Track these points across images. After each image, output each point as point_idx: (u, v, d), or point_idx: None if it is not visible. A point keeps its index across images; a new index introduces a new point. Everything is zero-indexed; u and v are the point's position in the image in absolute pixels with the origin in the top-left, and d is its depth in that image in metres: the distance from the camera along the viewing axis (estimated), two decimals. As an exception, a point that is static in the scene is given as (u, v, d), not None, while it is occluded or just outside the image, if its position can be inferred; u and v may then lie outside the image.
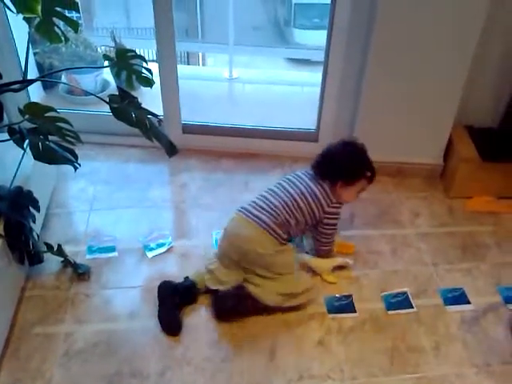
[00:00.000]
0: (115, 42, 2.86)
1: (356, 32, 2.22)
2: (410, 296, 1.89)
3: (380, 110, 2.32)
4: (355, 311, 1.83)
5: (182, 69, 4.14)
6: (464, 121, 2.46)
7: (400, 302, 1.87)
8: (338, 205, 1.89)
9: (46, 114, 1.57)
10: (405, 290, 1.92)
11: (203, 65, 7.73)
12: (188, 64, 7.70)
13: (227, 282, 1.78)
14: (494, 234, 2.22)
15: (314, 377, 1.62)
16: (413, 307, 1.86)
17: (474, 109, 2.45)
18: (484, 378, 1.64)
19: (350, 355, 1.69)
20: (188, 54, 7.73)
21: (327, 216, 1.88)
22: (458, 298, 1.91)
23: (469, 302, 1.89)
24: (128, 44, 3.22)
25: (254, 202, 1.86)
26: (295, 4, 9.30)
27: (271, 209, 1.80)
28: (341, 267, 1.98)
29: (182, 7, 8.39)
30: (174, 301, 1.77)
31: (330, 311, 1.82)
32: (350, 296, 1.88)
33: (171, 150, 1.85)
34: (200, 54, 7.74)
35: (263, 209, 1.81)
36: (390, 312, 1.84)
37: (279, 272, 1.78)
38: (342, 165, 1.86)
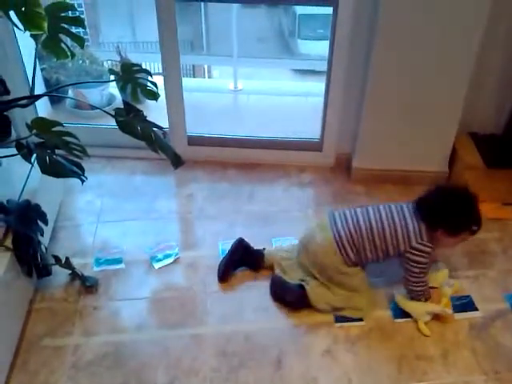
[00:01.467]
0: (121, 56, 2.90)
1: (358, 42, 2.24)
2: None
3: (383, 118, 2.33)
4: (362, 320, 1.83)
5: (187, 81, 4.18)
6: (468, 128, 2.47)
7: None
8: (428, 244, 1.75)
9: (53, 129, 1.60)
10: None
11: (209, 77, 7.79)
12: (194, 76, 7.77)
13: (292, 278, 1.89)
14: (500, 240, 2.22)
15: (322, 386, 1.62)
16: (420, 315, 1.85)
17: (477, 116, 2.46)
18: (493, 385, 1.64)
19: (357, 364, 1.69)
20: (194, 66, 7.80)
21: (412, 251, 1.75)
22: (465, 305, 1.90)
23: (476, 309, 1.89)
24: (134, 58, 3.27)
25: (344, 211, 1.86)
26: (299, 15, 9.38)
27: (353, 226, 1.78)
28: (438, 316, 1.84)
29: (187, 20, 8.49)
30: (237, 256, 1.98)
31: (337, 320, 1.82)
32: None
33: (177, 161, 1.87)
34: (205, 67, 7.80)
35: (346, 222, 1.81)
36: (396, 320, 1.83)
37: (342, 288, 1.84)
38: (449, 215, 1.74)
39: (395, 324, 1.82)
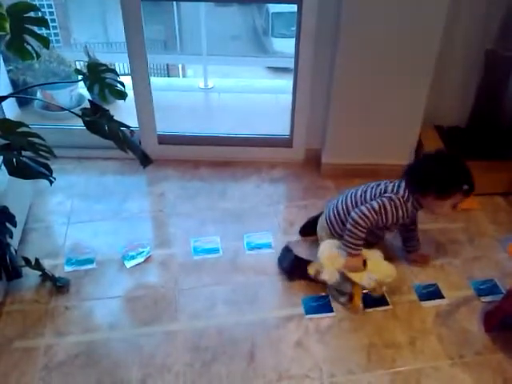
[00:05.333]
0: (89, 56, 2.89)
1: (323, 39, 2.28)
2: (385, 293, 1.93)
3: (350, 115, 2.37)
4: (332, 311, 1.87)
5: (157, 80, 4.18)
6: (433, 121, 2.53)
7: (376, 299, 1.90)
8: (400, 198, 1.78)
9: (18, 130, 1.59)
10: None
11: (183, 76, 7.77)
12: (168, 76, 7.74)
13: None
14: (466, 230, 2.28)
15: (294, 377, 1.64)
16: (388, 304, 1.90)
17: (442, 109, 2.52)
18: (459, 369, 1.68)
19: (328, 354, 1.72)
20: (168, 66, 7.77)
21: (380, 197, 1.81)
22: (432, 293, 1.96)
23: (443, 297, 1.94)
24: (106, 58, 3.26)
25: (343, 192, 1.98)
26: (272, 13, 9.41)
27: (341, 202, 1.93)
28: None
29: (160, 20, 8.45)
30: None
31: (307, 312, 1.86)
32: (326, 296, 1.91)
33: (145, 160, 1.88)
34: (180, 66, 7.78)
35: (336, 201, 1.96)
36: (366, 310, 1.88)
37: None
38: (436, 176, 1.73)
39: (364, 313, 1.86)
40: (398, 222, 1.85)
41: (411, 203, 1.81)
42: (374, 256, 1.85)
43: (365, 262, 1.82)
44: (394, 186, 1.84)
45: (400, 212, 1.80)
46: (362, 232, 1.78)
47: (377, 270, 1.82)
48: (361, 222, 1.77)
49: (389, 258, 2.04)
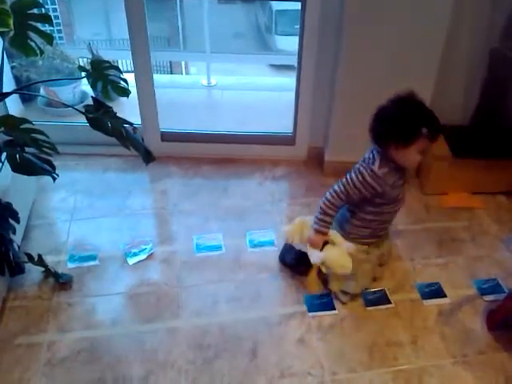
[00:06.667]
0: (92, 53, 2.89)
1: (327, 37, 2.28)
2: (387, 292, 1.93)
3: (353, 112, 2.36)
4: (335, 309, 1.87)
5: (160, 78, 4.19)
6: (437, 119, 2.51)
7: (378, 298, 1.91)
8: (374, 170, 1.62)
9: (21, 126, 1.59)
10: (382, 286, 1.96)
11: (186, 73, 7.77)
12: (171, 73, 7.74)
13: None
14: (469, 228, 2.28)
15: (296, 374, 1.64)
16: (391, 303, 1.90)
17: (445, 108, 2.49)
18: (461, 367, 1.68)
19: (330, 352, 1.72)
20: (171, 63, 7.77)
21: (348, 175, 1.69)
22: (434, 291, 1.95)
23: (445, 296, 1.94)
24: (109, 55, 3.26)
25: None
26: (276, 11, 9.41)
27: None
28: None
29: (163, 18, 8.45)
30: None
31: (310, 310, 1.86)
32: (329, 294, 1.91)
33: (148, 157, 1.88)
34: (183, 63, 7.78)
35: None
36: (368, 308, 1.88)
37: None
38: (390, 124, 1.58)
39: (366, 312, 1.86)
40: (380, 194, 1.67)
41: (389, 169, 1.64)
42: (338, 243, 1.78)
43: (327, 243, 1.78)
44: (371, 153, 1.68)
45: (374, 183, 1.64)
46: (329, 208, 1.70)
47: (331, 256, 1.76)
48: (329, 196, 1.71)
49: (393, 257, 2.05)
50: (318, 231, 1.75)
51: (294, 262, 1.97)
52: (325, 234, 1.76)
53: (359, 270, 1.82)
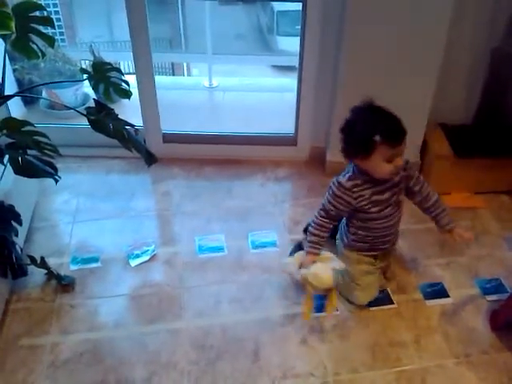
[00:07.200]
0: (94, 55, 2.90)
1: (328, 38, 2.27)
2: (390, 292, 1.93)
3: (355, 111, 2.36)
4: (337, 309, 1.86)
5: (162, 79, 4.19)
6: (438, 119, 2.51)
7: (380, 298, 1.90)
8: (342, 183, 1.63)
9: (23, 129, 1.60)
10: (384, 287, 1.95)
11: (188, 75, 7.77)
12: (173, 74, 7.75)
13: None
14: (472, 228, 2.26)
15: (298, 375, 1.65)
16: (393, 303, 1.89)
17: (447, 107, 2.50)
18: (464, 367, 1.68)
19: (332, 352, 1.72)
20: (173, 64, 7.78)
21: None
22: (437, 292, 1.95)
23: (448, 296, 1.93)
24: (111, 57, 3.26)
25: None
26: (277, 12, 9.40)
27: None
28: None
29: (165, 19, 8.46)
30: None
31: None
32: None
33: (150, 159, 1.88)
34: (185, 65, 7.78)
35: None
36: (371, 309, 1.87)
37: None
38: (347, 136, 1.59)
39: (369, 312, 1.86)
40: (358, 208, 1.66)
41: (363, 181, 1.63)
42: (325, 260, 1.76)
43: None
44: (349, 165, 1.67)
45: (344, 196, 1.64)
46: (315, 229, 1.73)
47: (311, 271, 1.73)
48: (314, 217, 1.75)
49: (397, 266, 2.05)
50: (308, 253, 1.77)
51: None
52: (316, 255, 1.76)
53: (364, 281, 1.83)
